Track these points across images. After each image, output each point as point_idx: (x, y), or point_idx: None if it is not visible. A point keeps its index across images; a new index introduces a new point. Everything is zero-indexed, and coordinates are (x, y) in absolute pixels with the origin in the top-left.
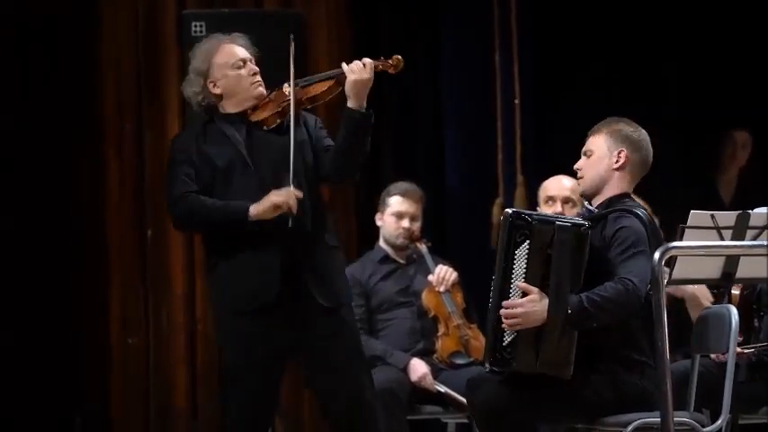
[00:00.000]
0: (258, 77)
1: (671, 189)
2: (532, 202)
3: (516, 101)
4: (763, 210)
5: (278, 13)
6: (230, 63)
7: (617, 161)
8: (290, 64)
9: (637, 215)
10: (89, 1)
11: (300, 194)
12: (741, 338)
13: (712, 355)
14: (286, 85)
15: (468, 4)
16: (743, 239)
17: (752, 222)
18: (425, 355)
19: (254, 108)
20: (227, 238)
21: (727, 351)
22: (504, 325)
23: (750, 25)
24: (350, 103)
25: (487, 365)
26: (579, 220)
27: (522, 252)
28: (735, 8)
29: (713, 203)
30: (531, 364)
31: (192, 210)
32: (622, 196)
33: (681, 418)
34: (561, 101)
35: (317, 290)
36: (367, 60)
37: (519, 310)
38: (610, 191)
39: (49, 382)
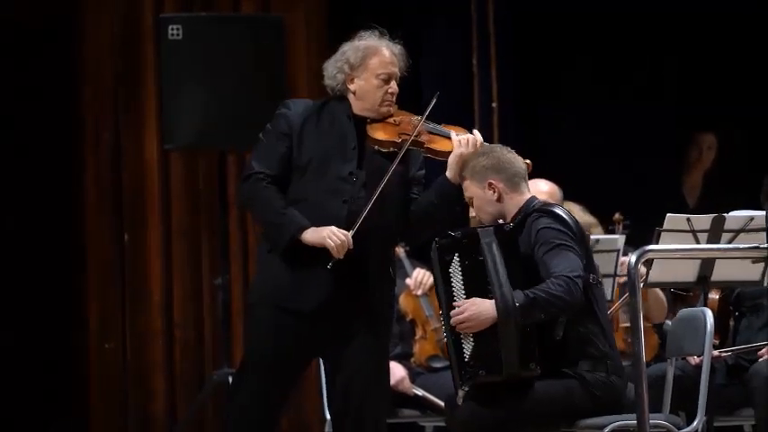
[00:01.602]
0: (392, 98)
1: (636, 191)
2: None
3: (494, 104)
4: (738, 213)
5: (256, 18)
6: (378, 72)
7: (493, 193)
8: (428, 106)
9: (551, 212)
10: (67, 6)
11: (352, 246)
12: (718, 341)
13: (689, 358)
14: (416, 118)
15: (446, 8)
16: (718, 242)
17: (727, 226)
18: (403, 358)
19: (375, 120)
20: None
21: (703, 354)
22: (457, 329)
23: (723, 28)
24: (448, 174)
25: (460, 392)
26: (500, 223)
27: (455, 268)
28: (709, 13)
29: (678, 206)
30: (497, 368)
31: (254, 198)
32: (526, 205)
33: (657, 420)
34: (539, 105)
35: (368, 305)
36: (479, 139)
37: (466, 314)
38: (510, 214)
39: (25, 387)
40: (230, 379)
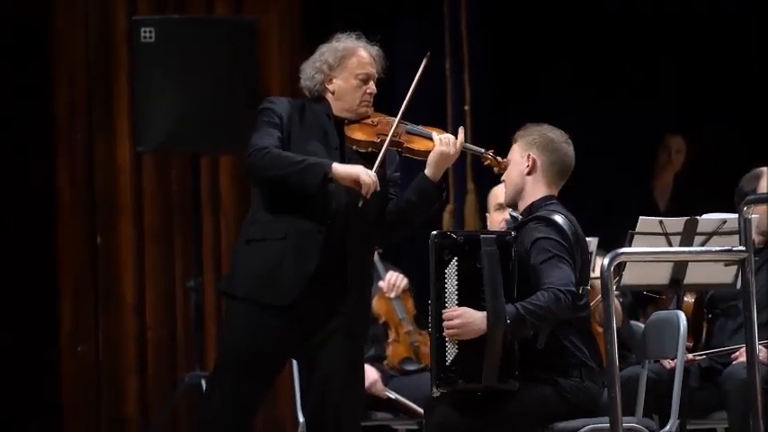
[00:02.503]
0: (371, 99)
1: (608, 193)
2: (483, 209)
3: (466, 107)
4: (711, 216)
5: (229, 20)
6: (357, 73)
7: (527, 165)
8: (402, 103)
9: (551, 221)
10: (40, 8)
11: (379, 188)
12: (691, 344)
13: (663, 361)
14: (393, 119)
15: (420, 10)
16: (691, 245)
17: (700, 228)
18: (376, 361)
19: (353, 121)
20: (276, 220)
21: (676, 357)
22: (445, 335)
23: (701, 31)
24: (427, 172)
25: (435, 390)
26: (503, 231)
27: (451, 270)
28: (687, 16)
29: (648, 209)
30: (476, 379)
31: (266, 163)
32: (544, 200)
33: (630, 423)
34: (511, 108)
35: (345, 305)
36: (460, 139)
37: (457, 321)
38: (529, 196)
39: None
40: (203, 381)
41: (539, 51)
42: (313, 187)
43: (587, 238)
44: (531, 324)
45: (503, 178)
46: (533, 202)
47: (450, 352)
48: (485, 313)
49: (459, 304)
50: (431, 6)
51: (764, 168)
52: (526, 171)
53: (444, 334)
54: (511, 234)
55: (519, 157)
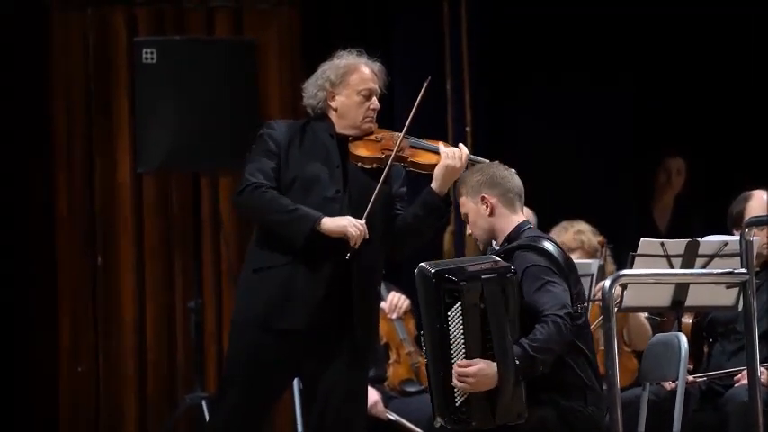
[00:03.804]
0: (374, 114)
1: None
2: None
3: (468, 129)
4: (712, 238)
5: (229, 40)
6: (359, 89)
7: (486, 207)
8: (408, 118)
9: (538, 248)
10: (40, 27)
11: (368, 236)
12: (691, 366)
13: (664, 383)
14: (397, 134)
15: (419, 30)
16: (692, 267)
17: (701, 250)
18: (377, 382)
19: (357, 138)
20: (283, 246)
21: (677, 379)
22: (457, 387)
23: (706, 44)
24: (434, 186)
25: (439, 421)
26: (502, 267)
27: (455, 313)
28: (685, 32)
29: (648, 230)
30: (489, 419)
31: (257, 203)
32: (519, 227)
33: None
34: (512, 129)
35: (355, 331)
36: (465, 152)
37: (471, 379)
38: (502, 232)
39: None
40: (203, 402)
41: (534, 73)
42: (299, 240)
43: (588, 260)
44: (540, 361)
45: (469, 232)
46: (509, 234)
47: (459, 394)
48: (495, 366)
49: (467, 346)
50: (430, 26)
51: (754, 192)
52: (488, 213)
53: (457, 387)
54: (512, 270)
55: (474, 204)
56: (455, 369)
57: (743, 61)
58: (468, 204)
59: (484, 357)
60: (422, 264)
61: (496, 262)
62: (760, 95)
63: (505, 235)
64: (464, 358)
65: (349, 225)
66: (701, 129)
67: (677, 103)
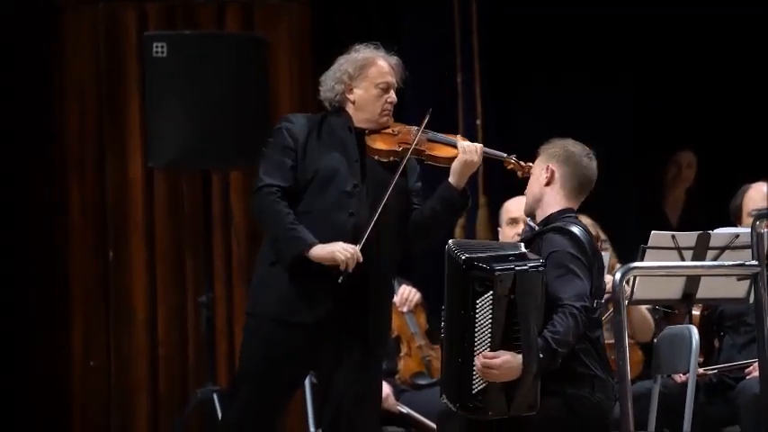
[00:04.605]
0: (391, 108)
1: (619, 209)
2: (495, 223)
3: (478, 122)
4: (723, 230)
5: (239, 36)
6: (377, 82)
7: (545, 177)
8: (424, 118)
9: (569, 233)
10: (50, 24)
11: (361, 259)
12: (702, 359)
13: (674, 376)
14: (414, 128)
15: (429, 25)
16: (703, 260)
17: (712, 243)
18: (388, 375)
19: (374, 131)
20: None
21: (688, 371)
22: (478, 375)
23: (706, 44)
24: (452, 180)
25: (452, 405)
26: (535, 261)
27: (484, 302)
28: (691, 27)
29: (660, 225)
30: (503, 409)
31: (264, 211)
32: (561, 212)
33: None
34: (523, 122)
35: (370, 327)
36: (479, 147)
37: (495, 371)
38: (547, 207)
39: (9, 406)
40: (215, 396)
41: (546, 66)
42: (287, 260)
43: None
44: (560, 354)
45: (526, 191)
46: (551, 214)
47: (478, 381)
48: (520, 359)
49: (492, 336)
50: (438, 20)
51: (753, 184)
52: (545, 182)
53: (478, 375)
54: (541, 263)
55: (539, 168)
56: (480, 360)
57: (743, 61)
58: (537, 165)
59: (506, 348)
60: (451, 242)
61: (525, 253)
62: (760, 95)
63: (548, 214)
64: (488, 348)
65: (338, 251)
66: (701, 128)
67: (677, 102)
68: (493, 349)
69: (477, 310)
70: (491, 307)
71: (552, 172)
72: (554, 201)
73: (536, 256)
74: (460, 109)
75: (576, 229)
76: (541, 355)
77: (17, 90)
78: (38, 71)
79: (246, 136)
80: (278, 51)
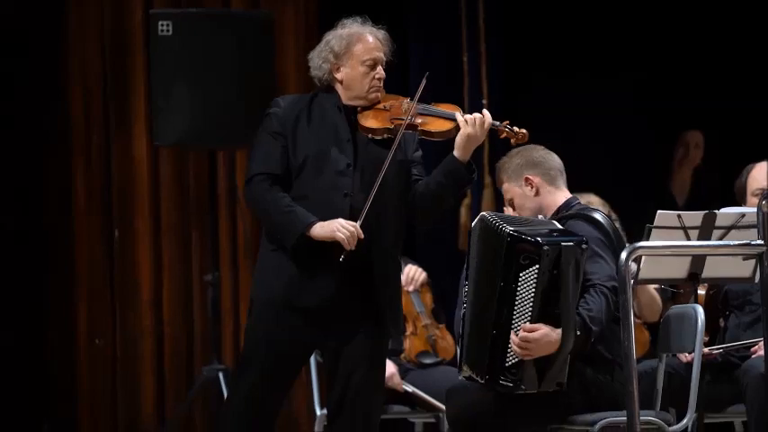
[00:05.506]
0: (380, 83)
1: (624, 190)
2: (500, 203)
3: (484, 101)
4: (729, 209)
5: (246, 14)
6: (364, 59)
7: (531, 188)
8: (418, 88)
9: (590, 219)
10: (54, 3)
11: (362, 236)
12: (707, 338)
13: (680, 355)
14: (406, 101)
15: (436, 5)
16: (709, 239)
17: (718, 222)
18: (393, 354)
19: (365, 108)
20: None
21: (694, 351)
22: (515, 348)
23: (709, 27)
24: (456, 154)
25: (479, 378)
26: (578, 238)
27: (528, 276)
28: (695, 9)
29: (667, 205)
30: (534, 385)
31: (258, 200)
32: (567, 202)
33: (647, 417)
34: (529, 102)
35: (373, 298)
36: (488, 119)
37: (532, 345)
38: (551, 206)
39: (15, 386)
40: (220, 375)
41: (552, 46)
42: (291, 241)
43: None
44: (594, 333)
45: (514, 215)
46: (559, 208)
47: (512, 355)
48: (559, 333)
49: (532, 310)
50: (447, 2)
51: (756, 164)
52: (533, 193)
53: (514, 349)
54: (585, 241)
55: (518, 188)
56: (520, 333)
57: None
58: (512, 189)
59: (543, 323)
60: (488, 215)
61: (567, 229)
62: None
63: (555, 209)
64: (528, 322)
65: (337, 229)
66: (707, 115)
67: (684, 83)
68: (532, 323)
69: (520, 284)
70: (535, 281)
71: (532, 181)
72: (552, 200)
73: (580, 237)
74: (466, 89)
75: (599, 216)
76: (578, 333)
77: (24, 74)
78: (43, 53)
79: (253, 114)
80: (284, 29)
